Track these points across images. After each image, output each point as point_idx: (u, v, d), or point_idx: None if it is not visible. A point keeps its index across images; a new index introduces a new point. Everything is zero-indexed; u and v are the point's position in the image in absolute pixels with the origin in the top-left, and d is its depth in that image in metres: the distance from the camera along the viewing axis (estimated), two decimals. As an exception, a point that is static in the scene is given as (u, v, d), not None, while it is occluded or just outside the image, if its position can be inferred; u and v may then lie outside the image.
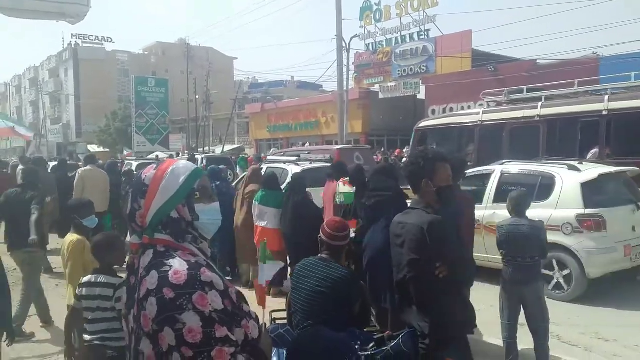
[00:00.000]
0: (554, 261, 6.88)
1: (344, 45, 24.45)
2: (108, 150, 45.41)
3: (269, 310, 3.56)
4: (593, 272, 6.74)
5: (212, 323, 1.53)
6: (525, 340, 4.75)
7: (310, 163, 10.25)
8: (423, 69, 28.75)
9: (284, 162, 10.23)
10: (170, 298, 1.52)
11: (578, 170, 7.34)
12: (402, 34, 30.07)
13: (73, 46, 61.99)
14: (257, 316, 1.74)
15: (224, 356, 1.53)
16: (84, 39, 62.00)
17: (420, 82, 27.29)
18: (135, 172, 10.96)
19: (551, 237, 6.03)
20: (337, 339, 2.15)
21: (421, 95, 27.14)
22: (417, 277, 3.00)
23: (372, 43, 31.80)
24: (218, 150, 30.57)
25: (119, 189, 10.01)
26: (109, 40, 63.98)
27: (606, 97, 10.31)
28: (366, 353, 2.81)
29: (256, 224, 6.92)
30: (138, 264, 1.67)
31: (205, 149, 34.18)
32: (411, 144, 14.28)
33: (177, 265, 1.58)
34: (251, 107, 40.30)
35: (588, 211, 6.80)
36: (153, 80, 43.87)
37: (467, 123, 12.36)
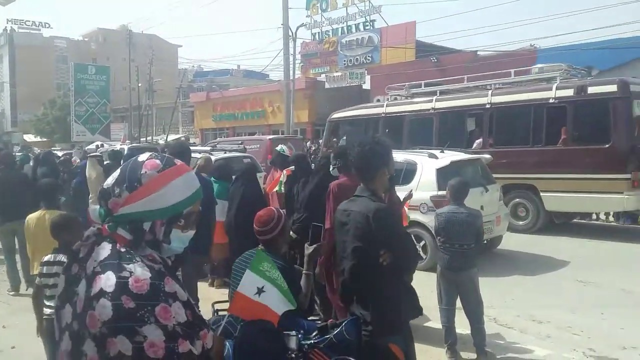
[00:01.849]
0: (412, 236, 7.36)
1: (290, 34, 24.32)
2: (46, 139, 43.70)
3: (212, 301, 3.54)
4: None
5: (175, 337, 1.42)
6: (464, 324, 4.92)
7: (225, 152, 10.27)
8: (368, 60, 28.98)
9: (199, 152, 10.32)
10: (129, 307, 1.38)
11: (436, 157, 8.32)
12: (348, 24, 30.18)
13: (8, 31, 59.17)
14: (209, 323, 1.67)
15: None
16: (20, 24, 59.34)
17: (366, 72, 27.57)
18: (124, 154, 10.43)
19: (412, 215, 7.19)
20: (275, 332, 2.16)
21: (366, 86, 27.40)
22: (361, 264, 3.06)
23: (319, 32, 31.77)
24: (162, 140, 29.92)
25: (57, 179, 9.68)
26: (47, 25, 61.55)
27: (489, 92, 11.41)
28: (309, 342, 2.83)
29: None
30: (86, 253, 1.51)
31: (148, 138, 33.37)
32: (324, 134, 15.06)
33: (139, 273, 1.44)
34: (196, 95, 39.56)
35: (441, 192, 7.50)
36: (93, 67, 42.30)
37: (373, 115, 13.43)
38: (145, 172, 1.54)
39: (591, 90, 10.07)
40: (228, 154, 10.05)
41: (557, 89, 10.47)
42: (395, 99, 13.80)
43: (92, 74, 40.22)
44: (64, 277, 1.56)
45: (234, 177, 6.62)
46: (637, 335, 5.23)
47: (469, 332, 4.86)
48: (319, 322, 3.21)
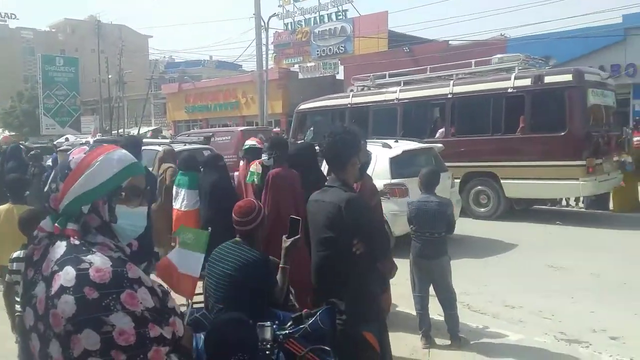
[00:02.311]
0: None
1: (262, 24, 24.16)
2: (14, 133, 42.70)
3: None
4: (397, 230, 7.60)
5: (145, 322, 1.41)
6: (438, 311, 4.98)
7: (184, 145, 10.26)
8: (341, 50, 28.92)
9: (159, 144, 10.28)
10: (93, 298, 1.36)
11: (389, 147, 8.60)
12: (321, 14, 30.04)
13: (-28, 23, 57.68)
14: (181, 312, 1.67)
15: (161, 356, 1.43)
16: (-16, 15, 57.77)
17: (339, 62, 27.54)
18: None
19: (368, 203, 7.23)
20: (246, 322, 2.14)
21: (340, 76, 27.37)
22: (333, 254, 3.06)
23: (291, 22, 31.56)
24: (133, 132, 29.48)
25: (25, 174, 9.48)
26: (12, 16, 60.02)
27: (451, 82, 11.66)
28: (284, 332, 2.84)
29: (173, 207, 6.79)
30: (40, 256, 1.49)
31: (120, 131, 32.87)
32: (292, 125, 15.20)
33: (99, 263, 1.42)
34: (168, 87, 39.06)
35: (394, 181, 8.02)
36: (62, 59, 41.52)
37: (340, 105, 13.60)
38: (73, 158, 1.57)
39: (547, 79, 10.37)
40: (188, 146, 10.00)
41: (515, 78, 10.74)
42: (363, 89, 13.95)
43: (60, 65, 39.44)
44: (22, 281, 1.54)
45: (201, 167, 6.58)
46: (606, 318, 5.36)
47: (442, 318, 4.92)
48: (295, 312, 3.21)
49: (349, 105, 13.29)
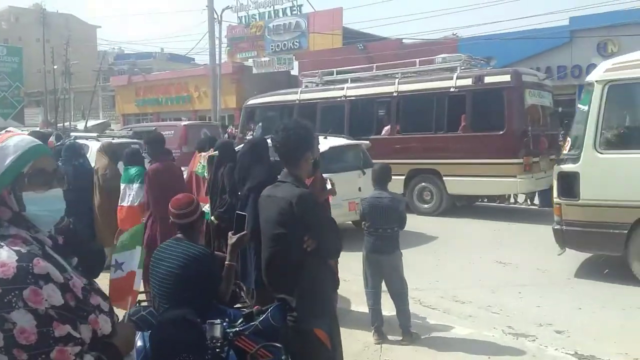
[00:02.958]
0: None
1: (215, 16, 23.82)
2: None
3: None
4: None
5: (48, 321, 1.36)
6: (390, 307, 5.00)
7: (112, 139, 10.08)
8: (296, 45, 28.81)
9: (87, 137, 10.03)
10: None
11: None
12: (275, 8, 29.83)
13: None
14: (111, 309, 1.59)
15: (67, 356, 1.37)
16: None
17: (294, 57, 27.44)
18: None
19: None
20: (191, 321, 2.07)
21: (295, 71, 27.27)
22: (285, 250, 3.01)
23: (245, 16, 31.19)
24: (81, 126, 28.58)
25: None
26: (-50, 2, 57.12)
27: (396, 81, 11.93)
28: (234, 329, 2.77)
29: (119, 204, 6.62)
30: None
31: (66, 124, 31.82)
32: (241, 120, 15.26)
33: (4, 257, 1.38)
34: (117, 79, 37.98)
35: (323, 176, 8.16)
36: (4, 48, 39.82)
37: (288, 101, 13.69)
38: None
39: (487, 80, 10.70)
40: (116, 140, 9.80)
41: (457, 78, 11.02)
42: (319, 84, 14.05)
43: (3, 55, 37.88)
44: None
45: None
46: (552, 312, 5.51)
47: (394, 314, 4.94)
48: (246, 310, 3.15)
49: (297, 101, 13.38)
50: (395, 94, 11.77)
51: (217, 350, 2.61)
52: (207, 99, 26.75)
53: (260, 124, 13.95)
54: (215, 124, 17.07)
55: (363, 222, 4.95)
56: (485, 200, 12.05)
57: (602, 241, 6.41)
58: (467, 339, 4.89)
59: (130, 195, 6.40)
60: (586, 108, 6.45)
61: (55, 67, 38.44)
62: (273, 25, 29.66)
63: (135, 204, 6.29)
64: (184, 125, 15.35)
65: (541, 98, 11.19)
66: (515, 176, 10.16)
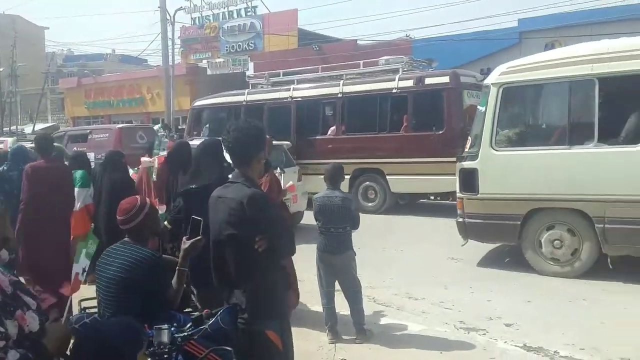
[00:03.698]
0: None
1: (168, 17, 23.44)
2: None
3: (79, 299, 3.31)
4: None
5: None
6: (344, 306, 5.02)
7: (32, 142, 9.96)
8: (251, 46, 28.65)
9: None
10: None
11: None
12: (229, 10, 29.59)
13: None
14: (40, 307, 1.55)
15: None
16: None
17: (249, 59, 27.27)
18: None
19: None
20: (128, 326, 2.02)
21: (250, 73, 27.09)
22: (236, 251, 2.98)
23: (199, 17, 30.83)
24: (28, 130, 27.67)
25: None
26: None
27: (341, 82, 12.25)
28: (183, 334, 2.72)
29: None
30: None
31: (12, 128, 30.74)
32: (187, 122, 15.44)
33: None
34: (66, 81, 36.95)
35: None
36: (-55, 49, 38.22)
37: (235, 102, 13.87)
38: None
39: (428, 81, 11.10)
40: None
41: (399, 79, 11.38)
42: (264, 86, 14.21)
43: (-56, 56, 36.33)
44: None
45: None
46: (502, 306, 5.64)
47: (348, 313, 4.97)
48: (195, 314, 3.10)
49: (244, 103, 13.52)
50: (340, 95, 12.07)
51: (165, 356, 2.57)
52: (161, 101, 26.31)
53: (207, 125, 14.05)
54: (151, 126, 17.00)
55: (317, 222, 4.96)
56: (433, 197, 12.31)
57: (499, 232, 6.91)
58: (420, 335, 4.97)
59: (78, 199, 6.25)
60: (484, 109, 6.88)
61: (1, 69, 37.08)
62: (227, 27, 29.43)
63: (79, 207, 6.16)
64: (119, 128, 15.41)
65: (479, 98, 11.52)
66: (454, 174, 10.38)
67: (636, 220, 5.98)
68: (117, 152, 6.59)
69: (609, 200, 6.14)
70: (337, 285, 5.00)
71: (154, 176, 5.89)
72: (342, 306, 5.04)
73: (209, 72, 28.37)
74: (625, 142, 6.25)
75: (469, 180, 6.90)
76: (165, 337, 2.56)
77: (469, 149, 7.05)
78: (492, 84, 6.87)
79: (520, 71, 6.77)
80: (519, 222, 6.66)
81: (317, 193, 5.14)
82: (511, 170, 6.71)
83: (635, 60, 6.07)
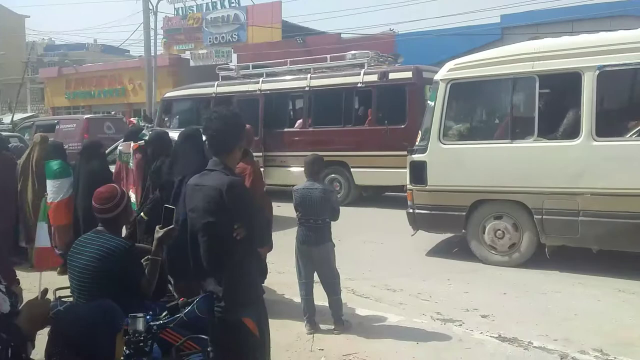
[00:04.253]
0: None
1: (150, 7, 23.20)
2: None
3: (54, 288, 3.29)
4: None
5: None
6: (323, 296, 5.04)
7: None
8: (235, 38, 28.53)
9: None
10: None
11: None
12: (213, 1, 29.41)
13: None
14: (9, 289, 1.55)
15: None
16: None
17: (232, 50, 27.13)
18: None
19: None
20: (89, 312, 2.01)
21: (233, 64, 26.94)
22: (214, 239, 2.98)
23: (182, 7, 30.62)
24: (7, 119, 27.23)
25: None
26: None
27: (309, 76, 12.39)
28: (158, 322, 2.73)
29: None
30: None
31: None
32: (158, 113, 15.47)
33: None
34: (46, 71, 36.43)
35: None
36: None
37: (205, 94, 13.92)
38: None
39: (392, 76, 11.27)
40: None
41: (364, 74, 11.53)
42: (234, 78, 14.26)
43: None
44: None
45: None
46: (478, 298, 5.72)
47: (327, 304, 5.00)
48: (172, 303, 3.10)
49: (213, 95, 13.58)
50: (307, 89, 12.21)
51: (141, 344, 2.58)
52: (143, 92, 26.06)
53: (177, 116, 14.14)
54: (119, 117, 16.96)
55: (297, 213, 4.97)
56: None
57: (446, 222, 7.17)
58: (397, 326, 5.01)
59: (52, 190, 6.23)
60: (433, 104, 7.11)
61: (-21, 57, 36.48)
62: (211, 18, 29.26)
63: (59, 199, 6.14)
64: (86, 118, 15.58)
65: None
66: None
67: (571, 212, 6.26)
68: (94, 142, 6.57)
69: (546, 192, 6.41)
70: (315, 277, 5.02)
71: (132, 164, 5.85)
72: (320, 297, 5.06)
73: (192, 63, 28.17)
74: (563, 137, 6.50)
75: (418, 172, 7.14)
76: (140, 325, 2.56)
77: (419, 142, 7.27)
78: (440, 79, 7.08)
79: (467, 68, 7.00)
80: (464, 213, 6.92)
81: (296, 185, 5.15)
82: (457, 163, 6.95)
83: (573, 58, 6.30)
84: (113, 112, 27.03)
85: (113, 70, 31.33)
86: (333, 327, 4.90)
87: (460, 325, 5.03)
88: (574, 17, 17.29)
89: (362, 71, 11.60)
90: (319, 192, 4.81)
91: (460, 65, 7.08)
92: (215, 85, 13.81)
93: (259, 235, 3.17)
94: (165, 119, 14.28)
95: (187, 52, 29.55)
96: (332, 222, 4.95)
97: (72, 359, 1.81)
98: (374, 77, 11.34)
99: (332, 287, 4.92)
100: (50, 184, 6.36)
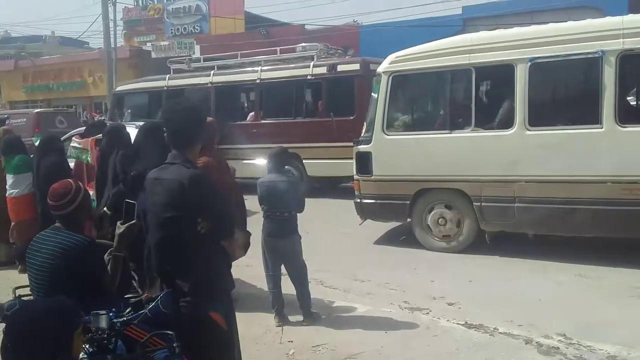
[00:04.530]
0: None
1: (109, -2, 22.67)
2: None
3: (14, 286, 3.18)
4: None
5: None
6: (291, 289, 5.03)
7: None
8: (197, 29, 28.13)
9: None
10: None
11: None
12: (174, -9, 28.93)
13: None
14: None
15: None
16: None
17: (195, 42, 26.74)
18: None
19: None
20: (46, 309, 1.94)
21: (196, 56, 26.57)
22: (177, 234, 2.92)
23: (142, -2, 30.04)
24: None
25: None
26: None
27: (259, 68, 12.50)
28: (121, 319, 2.66)
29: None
30: None
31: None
32: (109, 106, 15.58)
33: None
34: (2, 64, 35.18)
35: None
36: None
37: (156, 87, 13.95)
38: None
39: (340, 68, 11.44)
40: None
41: (314, 66, 11.66)
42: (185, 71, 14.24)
43: None
44: None
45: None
46: (445, 286, 5.80)
47: (295, 295, 4.99)
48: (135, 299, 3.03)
49: (165, 88, 13.54)
50: (258, 81, 12.29)
51: (105, 341, 2.51)
52: (103, 85, 25.49)
53: (128, 110, 14.10)
54: (71, 111, 16.69)
55: (261, 206, 4.93)
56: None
57: (391, 211, 7.39)
58: (366, 316, 5.04)
59: (13, 185, 6.06)
60: (376, 96, 7.29)
61: None
62: (172, 9, 28.79)
63: (21, 194, 5.98)
64: (36, 112, 15.45)
65: None
66: None
67: (507, 199, 6.53)
68: (52, 136, 6.40)
69: (484, 180, 6.66)
70: (283, 269, 5.00)
71: (89, 159, 5.71)
72: (288, 289, 5.04)
73: (153, 55, 27.64)
74: (498, 127, 6.73)
75: (364, 162, 7.32)
76: (103, 323, 2.49)
77: (364, 133, 7.47)
78: (382, 72, 7.26)
79: (408, 60, 7.16)
80: (409, 202, 7.13)
81: (260, 177, 5.11)
82: (401, 154, 7.16)
83: (506, 50, 6.52)
84: (73, 107, 26.48)
85: (72, 63, 30.50)
86: (302, 318, 4.90)
87: (428, 313, 5.08)
88: (534, 8, 17.55)
89: (312, 64, 11.70)
90: (284, 184, 4.79)
91: (401, 57, 7.22)
92: (167, 79, 13.80)
93: (224, 228, 3.12)
94: (117, 112, 14.27)
95: (149, 44, 29.01)
96: (298, 213, 4.93)
97: (27, 357, 1.75)
98: (323, 70, 11.48)
99: (300, 279, 4.92)
100: (9, 178, 6.21)
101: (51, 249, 2.75)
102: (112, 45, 22.79)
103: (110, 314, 2.60)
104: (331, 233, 8.33)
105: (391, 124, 7.28)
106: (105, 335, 2.51)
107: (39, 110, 16.28)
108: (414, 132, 7.36)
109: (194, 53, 26.70)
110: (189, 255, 2.93)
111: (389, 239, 7.84)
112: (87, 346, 2.45)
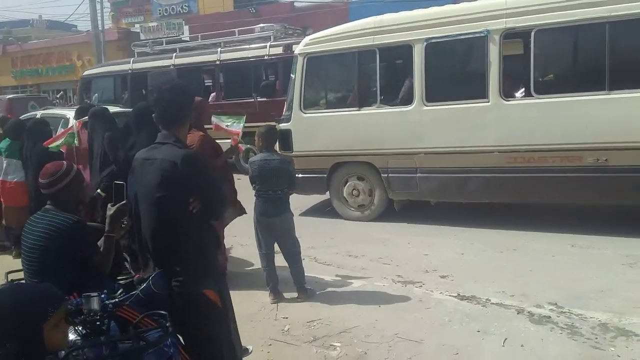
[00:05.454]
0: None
1: (95, -21, 22.32)
2: None
3: (6, 270, 3.19)
4: None
5: None
6: (286, 266, 5.06)
7: None
8: (185, 9, 27.79)
9: None
10: None
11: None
12: (160, -30, 28.49)
13: None
14: None
15: None
16: None
17: (183, 22, 26.43)
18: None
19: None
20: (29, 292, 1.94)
21: (185, 36, 26.30)
22: (169, 214, 2.92)
23: (129, -21, 29.61)
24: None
25: None
26: None
27: (219, 50, 12.73)
28: (114, 300, 2.68)
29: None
30: None
31: None
32: (78, 90, 15.83)
33: None
34: (-11, 49, 34.83)
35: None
36: None
37: (121, 71, 14.23)
38: None
39: (295, 48, 11.20)
40: None
41: (270, 47, 11.85)
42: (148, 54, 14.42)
43: None
44: None
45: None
46: (437, 259, 5.84)
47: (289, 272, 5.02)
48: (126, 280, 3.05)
49: (129, 71, 13.74)
50: (218, 62, 12.48)
51: (97, 323, 2.52)
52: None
53: (96, 94, 14.26)
54: (43, 96, 16.63)
55: (253, 185, 4.93)
56: None
57: (311, 185, 7.75)
58: (360, 291, 5.08)
59: (12, 170, 6.08)
60: (294, 77, 7.75)
61: None
62: (160, -11, 28.36)
63: (19, 180, 6.01)
64: (9, 98, 15.53)
65: None
66: None
67: (410, 170, 7.08)
68: (41, 121, 6.34)
69: (389, 153, 7.20)
70: (276, 247, 5.02)
71: (76, 142, 5.68)
72: (283, 266, 5.08)
73: (142, 36, 27.29)
74: (400, 104, 7.19)
75: (286, 139, 7.67)
76: (94, 304, 2.50)
77: (285, 112, 7.92)
78: (298, 54, 7.71)
79: (320, 42, 7.58)
80: (326, 175, 7.65)
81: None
82: (317, 130, 7.64)
83: (405, 32, 6.95)
84: (61, 91, 26.26)
85: (60, 47, 30.15)
86: (297, 295, 4.93)
87: (421, 286, 5.12)
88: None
89: (268, 44, 11.86)
90: (277, 162, 4.79)
91: (315, 40, 7.67)
92: (131, 62, 13.97)
93: (215, 208, 3.12)
94: (86, 96, 14.41)
95: (137, 25, 28.66)
96: (291, 192, 4.95)
97: None
98: (279, 50, 11.60)
99: (294, 256, 4.94)
100: (10, 164, 6.22)
101: (40, 229, 2.76)
102: (100, 28, 22.51)
103: (102, 296, 2.61)
104: (326, 213, 8.32)
105: (307, 103, 7.74)
106: (98, 317, 2.52)
107: (10, 96, 16.37)
108: (327, 110, 7.85)
109: (182, 34, 26.45)
110: (180, 235, 2.93)
111: (382, 214, 7.83)
112: (79, 328, 2.47)
